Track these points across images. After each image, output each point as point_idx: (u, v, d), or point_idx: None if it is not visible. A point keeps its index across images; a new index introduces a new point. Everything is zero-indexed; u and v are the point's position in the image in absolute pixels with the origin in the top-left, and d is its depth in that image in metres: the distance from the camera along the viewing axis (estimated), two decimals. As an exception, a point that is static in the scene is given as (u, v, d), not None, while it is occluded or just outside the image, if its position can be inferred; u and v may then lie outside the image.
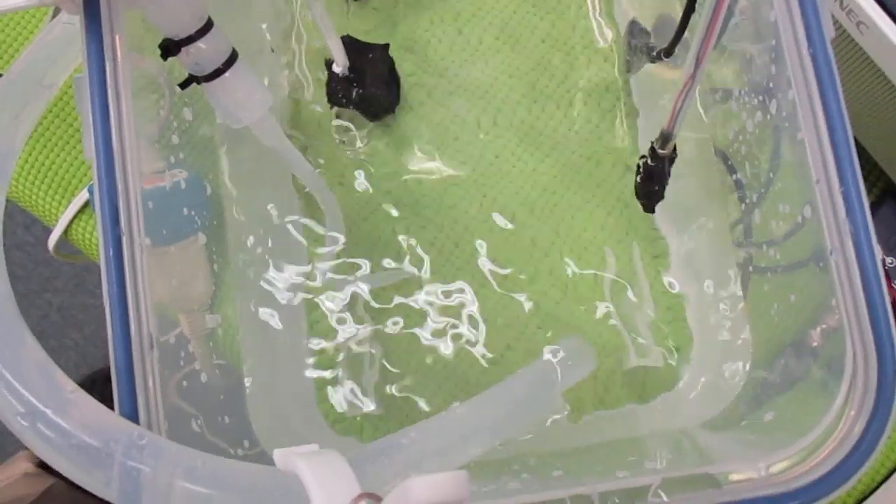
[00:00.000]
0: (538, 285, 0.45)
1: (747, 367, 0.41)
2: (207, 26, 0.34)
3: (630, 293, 0.45)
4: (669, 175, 0.41)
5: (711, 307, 0.44)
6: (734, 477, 0.28)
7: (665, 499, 0.27)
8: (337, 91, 0.45)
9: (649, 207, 0.42)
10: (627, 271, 0.45)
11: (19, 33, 0.54)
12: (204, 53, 0.34)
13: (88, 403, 0.28)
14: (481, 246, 0.46)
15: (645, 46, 0.44)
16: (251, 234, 0.46)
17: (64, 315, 1.13)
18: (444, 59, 0.48)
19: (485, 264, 0.45)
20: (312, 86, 0.48)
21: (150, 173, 0.43)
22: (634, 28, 0.45)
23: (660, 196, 0.42)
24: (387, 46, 0.46)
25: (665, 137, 0.39)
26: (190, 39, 0.34)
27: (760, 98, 0.34)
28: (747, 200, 0.40)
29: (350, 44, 0.45)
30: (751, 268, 0.40)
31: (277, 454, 0.30)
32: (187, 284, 0.45)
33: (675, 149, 0.40)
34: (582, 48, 0.48)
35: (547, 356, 0.39)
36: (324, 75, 0.46)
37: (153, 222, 0.38)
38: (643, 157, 0.41)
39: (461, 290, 0.45)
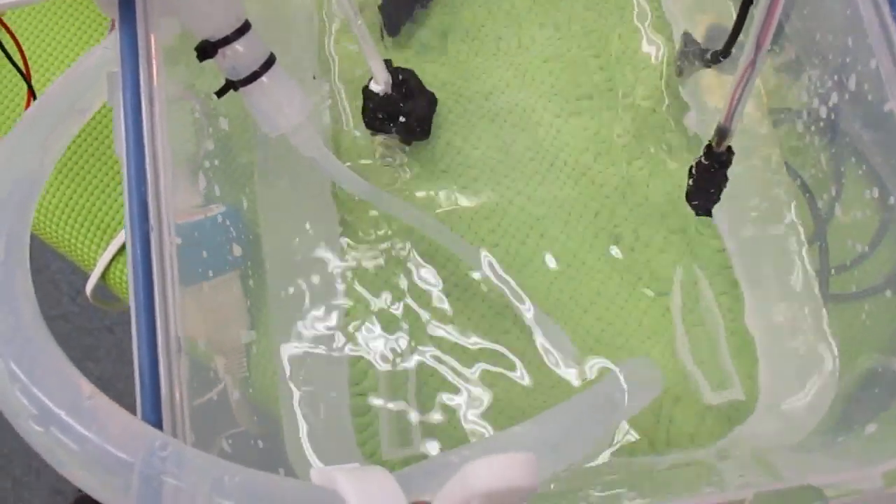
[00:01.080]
0: (595, 319, 0.42)
1: (835, 387, 0.37)
2: (245, 27, 0.33)
3: (697, 321, 0.41)
4: (727, 178, 0.38)
5: (786, 327, 0.40)
6: (842, 489, 0.24)
7: (760, 515, 0.23)
8: (375, 112, 0.44)
9: (703, 210, 0.39)
10: (692, 298, 0.42)
11: (57, 67, 0.54)
12: (241, 56, 0.33)
13: (108, 408, 0.25)
14: (527, 277, 0.43)
15: (698, 51, 0.42)
16: (290, 267, 0.45)
17: (105, 384, 1.11)
18: (483, 85, 0.47)
19: (533, 296, 0.42)
20: (351, 114, 0.47)
21: (189, 208, 0.42)
22: (687, 39, 0.43)
23: (715, 199, 0.39)
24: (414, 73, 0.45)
25: (721, 133, 0.36)
26: (226, 41, 0.33)
27: (835, 78, 0.31)
28: (822, 199, 0.36)
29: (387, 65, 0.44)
30: (832, 270, 0.37)
31: (315, 472, 0.27)
32: (226, 320, 0.43)
33: (730, 148, 0.37)
34: (631, 66, 0.46)
35: (610, 378, 0.36)
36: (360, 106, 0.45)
37: (192, 257, 0.37)
38: (698, 157, 0.38)
39: (508, 330, 0.42)
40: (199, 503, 0.24)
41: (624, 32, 0.47)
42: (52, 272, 1.17)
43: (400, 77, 0.44)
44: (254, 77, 0.34)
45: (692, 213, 0.40)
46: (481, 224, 0.44)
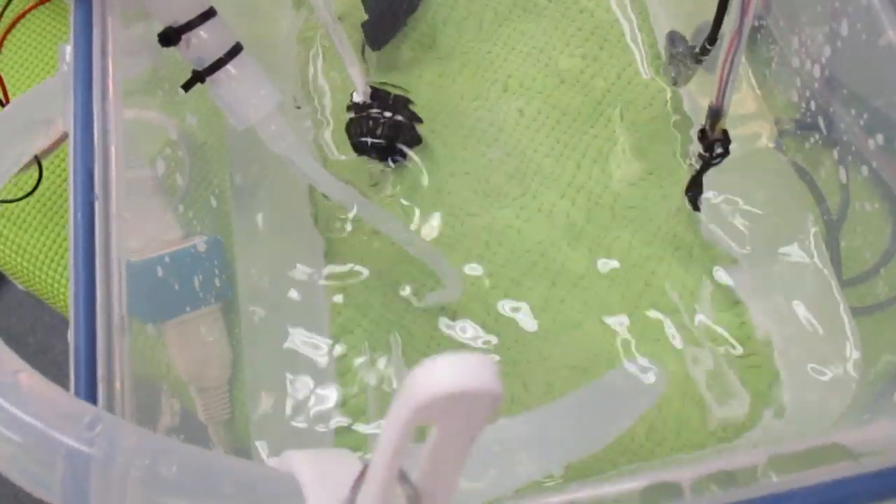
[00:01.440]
0: (597, 336, 0.39)
1: (855, 389, 0.33)
2: (210, 13, 0.32)
3: (701, 336, 0.38)
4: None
5: (802, 332, 0.37)
6: (877, 447, 0.21)
7: (775, 480, 0.20)
8: (359, 124, 0.42)
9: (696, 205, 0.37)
10: (698, 310, 0.39)
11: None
12: (205, 43, 0.32)
13: (36, 384, 0.22)
14: (528, 292, 0.40)
15: (686, 48, 0.40)
16: (271, 294, 0.42)
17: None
18: (468, 102, 0.46)
19: (529, 312, 0.40)
20: (334, 143, 0.46)
21: (170, 239, 0.40)
22: (674, 37, 0.42)
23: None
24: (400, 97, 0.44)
25: (714, 114, 0.34)
26: (190, 25, 0.31)
27: (826, 30, 0.29)
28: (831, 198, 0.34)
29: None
30: (848, 268, 0.34)
31: (272, 459, 0.24)
32: (207, 357, 0.41)
33: (726, 132, 0.35)
34: (620, 75, 0.45)
35: (609, 375, 0.33)
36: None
37: (171, 289, 0.36)
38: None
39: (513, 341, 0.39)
40: (132, 486, 0.21)
41: (613, 50, 0.46)
42: (56, 353, 1.15)
43: (383, 95, 0.43)
44: (219, 65, 0.32)
45: (696, 229, 0.38)
46: (470, 247, 0.42)
